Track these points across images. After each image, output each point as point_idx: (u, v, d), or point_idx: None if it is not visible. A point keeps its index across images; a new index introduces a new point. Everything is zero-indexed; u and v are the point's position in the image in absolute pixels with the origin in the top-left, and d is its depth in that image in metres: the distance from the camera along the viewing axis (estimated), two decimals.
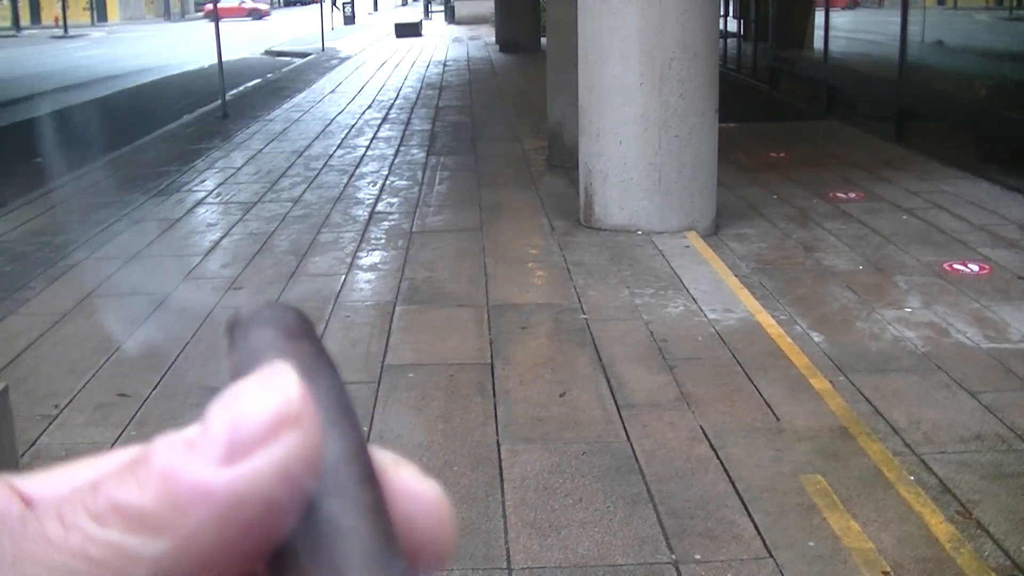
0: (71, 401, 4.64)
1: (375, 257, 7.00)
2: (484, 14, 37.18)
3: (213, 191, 9.34)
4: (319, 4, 31.82)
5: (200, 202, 8.91)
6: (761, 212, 7.84)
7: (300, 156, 10.97)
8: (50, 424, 4.41)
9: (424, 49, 27.50)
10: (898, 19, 10.50)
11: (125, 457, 0.29)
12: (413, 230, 7.69)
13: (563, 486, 3.80)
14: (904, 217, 7.60)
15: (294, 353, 0.31)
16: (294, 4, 74.75)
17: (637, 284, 6.17)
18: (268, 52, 29.49)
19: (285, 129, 13.07)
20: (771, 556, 3.32)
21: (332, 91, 17.64)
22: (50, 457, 4.07)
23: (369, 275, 6.61)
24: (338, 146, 11.60)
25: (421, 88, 17.76)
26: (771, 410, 4.37)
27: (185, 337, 5.38)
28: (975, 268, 6.31)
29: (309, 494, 0.29)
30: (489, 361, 5.03)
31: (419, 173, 9.92)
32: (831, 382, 4.65)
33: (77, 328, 5.65)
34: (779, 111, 13.29)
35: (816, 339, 5.20)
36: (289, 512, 0.29)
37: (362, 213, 8.28)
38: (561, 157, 9.64)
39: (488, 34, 30.81)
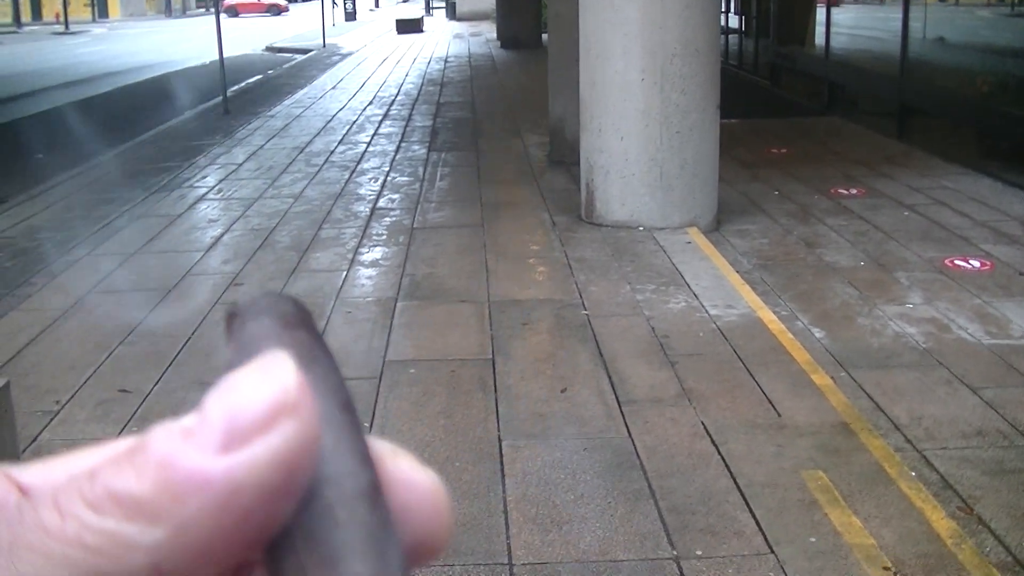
0: (72, 397, 4.64)
1: (376, 253, 7.00)
2: (485, 10, 37.16)
3: (214, 187, 9.34)
4: (320, 0, 31.80)
5: (201, 198, 8.91)
6: (762, 208, 7.84)
7: (301, 152, 10.97)
8: (51, 420, 4.41)
9: (425, 45, 27.50)
10: (899, 15, 10.49)
11: (122, 446, 0.29)
12: (414, 226, 7.69)
13: (564, 482, 3.80)
14: (905, 213, 7.59)
15: (291, 342, 0.31)
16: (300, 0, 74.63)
17: (638, 280, 6.16)
18: (269, 48, 29.47)
19: (286, 125, 13.07)
20: (772, 552, 3.32)
21: (333, 87, 17.63)
22: (51, 453, 4.06)
23: (370, 271, 6.62)
24: (339, 142, 11.60)
25: (422, 84, 17.76)
26: (772, 406, 4.37)
27: (186, 333, 5.39)
28: (976, 264, 6.30)
29: (306, 482, 0.29)
30: (490, 357, 5.03)
31: (420, 169, 9.92)
32: (832, 378, 4.64)
33: (78, 324, 5.66)
34: (780, 107, 13.28)
35: (817, 335, 5.20)
36: (286, 500, 0.29)
37: (363, 209, 8.28)
38: (562, 153, 9.64)
39: (489, 30, 30.78)
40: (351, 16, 44.34)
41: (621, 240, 7.00)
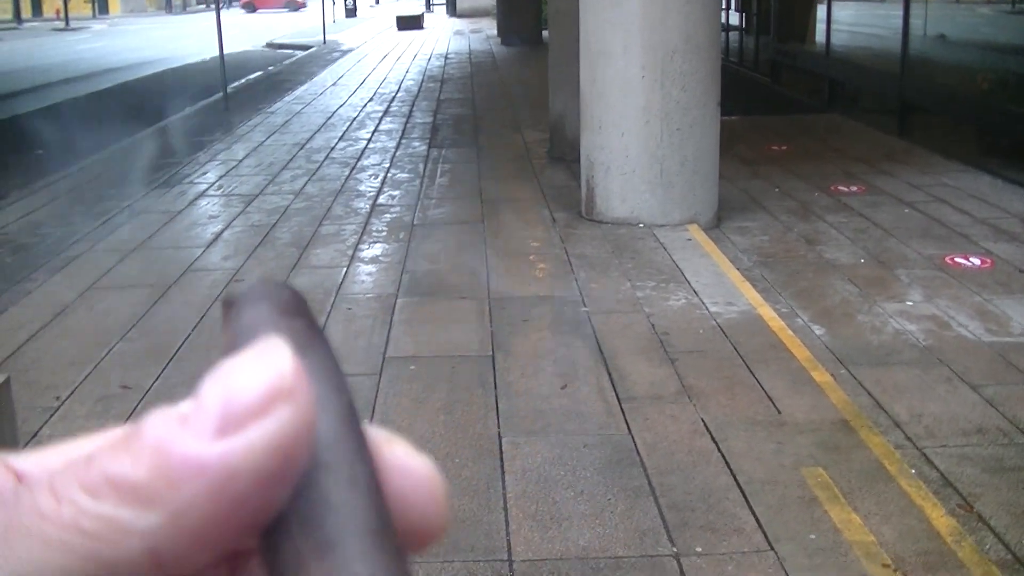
0: (72, 393, 4.64)
1: (377, 249, 7.00)
2: (486, 7, 37.17)
3: (215, 183, 9.33)
4: None
5: (202, 194, 8.91)
6: (763, 205, 7.84)
7: (302, 148, 10.96)
8: (52, 416, 4.41)
9: (426, 42, 27.48)
10: (900, 12, 10.48)
11: (119, 433, 0.29)
12: (415, 222, 7.68)
13: (564, 478, 3.80)
14: (906, 210, 7.59)
15: (288, 329, 0.31)
16: None
17: (639, 277, 6.16)
18: (269, 45, 29.47)
19: (287, 121, 13.07)
20: (772, 549, 3.32)
21: (334, 84, 17.62)
22: None
23: (371, 267, 6.62)
24: (340, 139, 11.59)
25: (423, 81, 17.75)
26: (772, 403, 4.37)
27: (187, 329, 5.39)
28: (977, 262, 6.30)
29: (302, 468, 0.29)
30: (491, 353, 5.03)
31: (421, 166, 9.92)
32: (832, 375, 4.64)
33: (79, 320, 5.66)
34: (781, 104, 13.27)
35: (817, 332, 5.20)
36: (282, 486, 0.29)
37: (364, 205, 8.28)
38: (563, 150, 9.63)
39: (490, 27, 30.77)
40: (351, 12, 44.33)
41: (621, 237, 7.00)
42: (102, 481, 0.28)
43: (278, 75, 19.49)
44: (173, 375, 4.80)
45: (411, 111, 13.86)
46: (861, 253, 6.57)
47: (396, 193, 8.73)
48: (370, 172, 9.65)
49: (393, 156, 10.44)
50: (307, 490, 0.29)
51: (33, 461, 0.30)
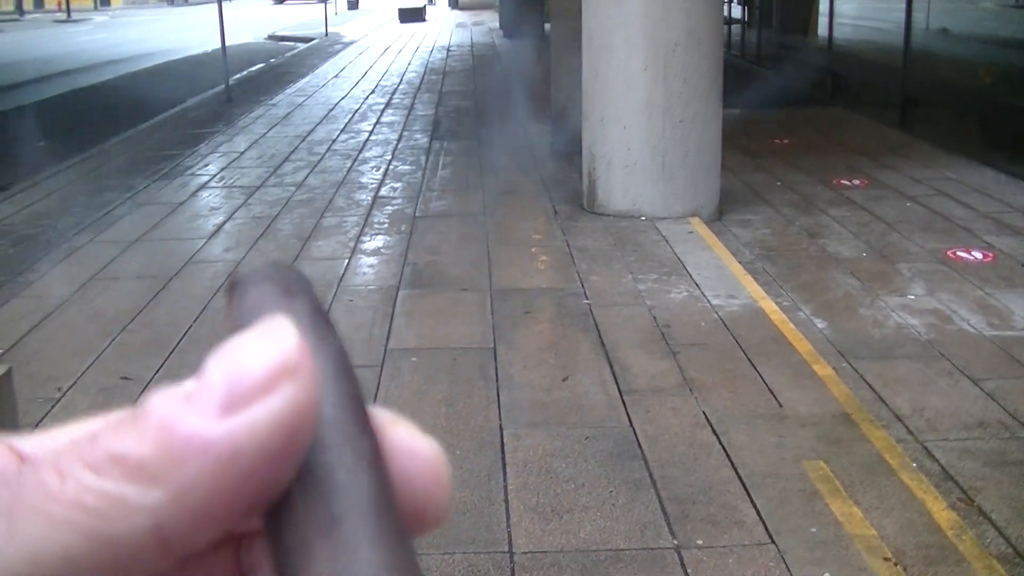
0: (74, 384, 4.65)
1: (378, 241, 7.00)
2: None
3: (216, 175, 9.33)
4: None
5: (203, 186, 8.90)
6: (765, 198, 7.83)
7: (303, 140, 10.96)
8: (53, 407, 4.42)
9: (428, 34, 27.45)
10: (903, 5, 10.46)
11: (124, 413, 0.29)
12: (416, 215, 7.68)
13: (565, 471, 3.80)
14: (908, 204, 7.58)
15: (293, 309, 0.31)
16: None
17: (640, 270, 6.16)
18: (271, 37, 29.45)
19: (288, 114, 13.06)
20: (773, 542, 3.32)
21: (336, 76, 17.61)
22: None
23: (372, 259, 6.61)
24: (341, 131, 11.58)
25: (425, 73, 17.73)
26: (774, 396, 4.37)
27: (188, 320, 5.39)
28: (979, 255, 6.30)
29: (306, 446, 0.29)
30: (492, 345, 5.03)
31: (422, 158, 9.91)
32: (834, 368, 4.64)
33: (80, 311, 5.66)
34: (783, 98, 13.23)
35: (819, 325, 5.19)
36: (286, 464, 0.28)
37: (365, 198, 8.27)
38: (565, 142, 9.62)
39: (492, 19, 30.74)
40: (353, 5, 44.27)
41: (623, 230, 7.00)
42: (106, 458, 0.28)
43: (280, 67, 19.47)
44: (174, 366, 4.80)
45: (413, 103, 13.85)
46: (863, 247, 6.56)
47: (398, 185, 8.72)
48: (372, 164, 9.64)
49: (395, 148, 10.44)
50: (311, 469, 0.29)
51: (36, 442, 0.30)
